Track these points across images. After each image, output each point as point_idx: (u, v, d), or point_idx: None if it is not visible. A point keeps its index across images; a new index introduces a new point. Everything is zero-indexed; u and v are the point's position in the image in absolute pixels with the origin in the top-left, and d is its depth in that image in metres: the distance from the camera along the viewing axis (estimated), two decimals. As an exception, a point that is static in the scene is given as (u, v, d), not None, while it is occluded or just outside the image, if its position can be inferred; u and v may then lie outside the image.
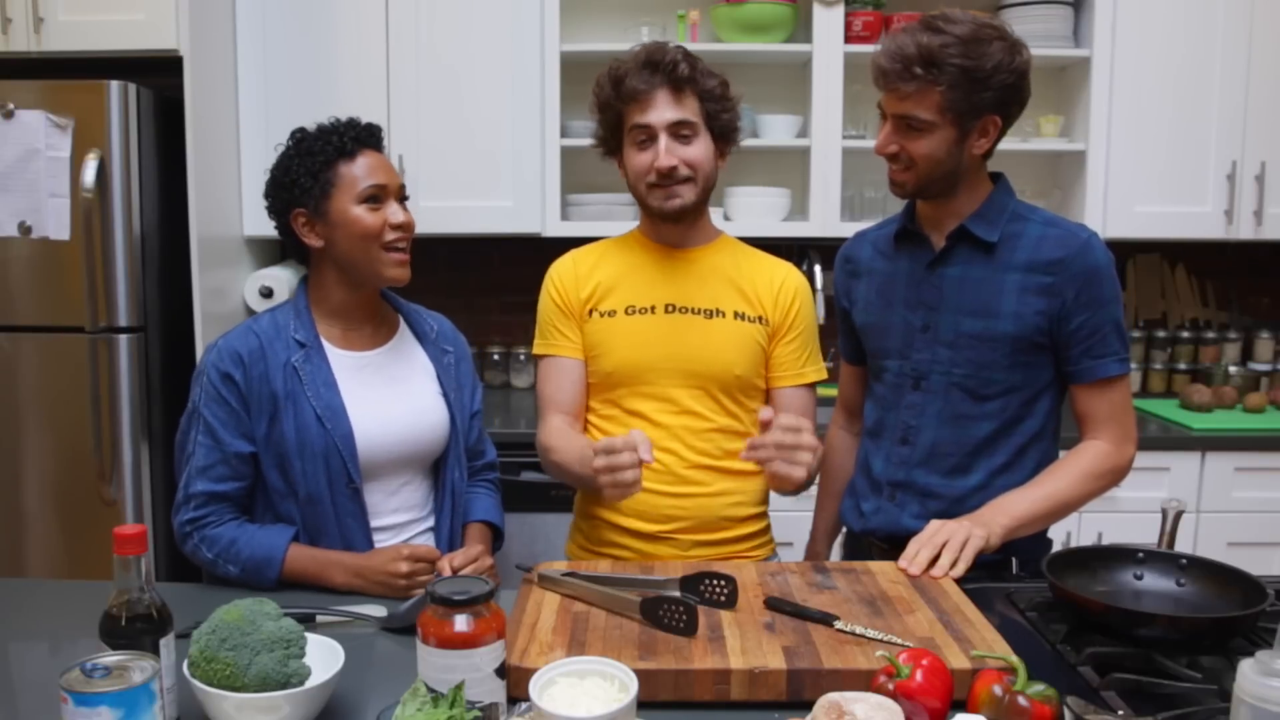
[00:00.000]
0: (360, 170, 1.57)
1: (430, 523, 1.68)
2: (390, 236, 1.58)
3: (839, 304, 1.82)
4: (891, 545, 1.63)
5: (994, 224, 1.60)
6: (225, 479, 1.54)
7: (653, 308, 1.71)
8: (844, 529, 1.86)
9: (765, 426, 1.46)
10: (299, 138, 1.61)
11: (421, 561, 1.49)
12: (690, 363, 1.68)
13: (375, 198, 1.57)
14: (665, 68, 1.62)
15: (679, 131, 1.64)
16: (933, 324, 1.63)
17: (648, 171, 1.65)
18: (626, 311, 1.71)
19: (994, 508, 1.54)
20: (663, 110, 1.63)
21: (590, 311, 1.73)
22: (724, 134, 1.70)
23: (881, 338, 1.69)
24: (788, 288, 1.74)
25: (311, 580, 1.51)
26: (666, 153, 1.63)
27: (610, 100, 1.67)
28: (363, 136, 1.60)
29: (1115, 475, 1.61)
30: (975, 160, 1.59)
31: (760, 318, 1.72)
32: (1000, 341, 1.58)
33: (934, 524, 1.50)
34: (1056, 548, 1.70)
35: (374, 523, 1.59)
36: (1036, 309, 1.56)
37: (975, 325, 1.59)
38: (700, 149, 1.66)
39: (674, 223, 1.71)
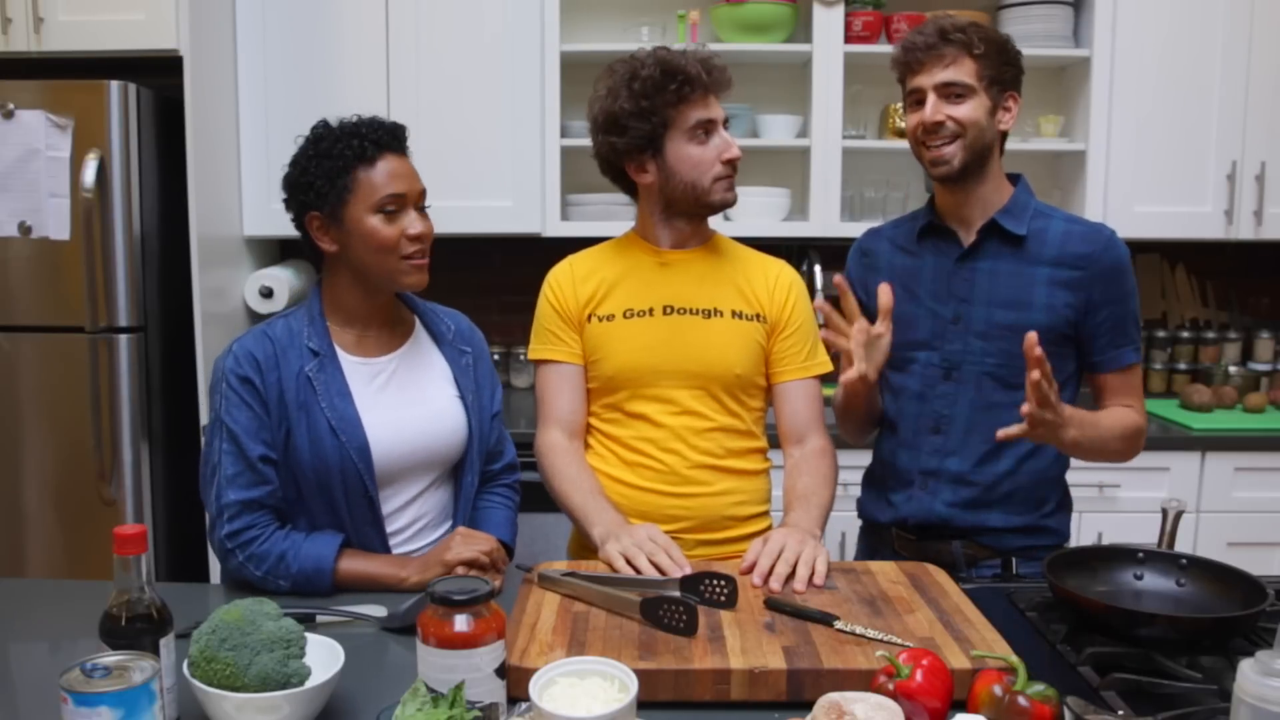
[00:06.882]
0: (379, 177, 1.51)
1: (446, 526, 1.65)
2: (408, 249, 1.52)
3: (855, 295, 1.82)
4: (922, 534, 1.68)
5: (1020, 219, 1.66)
6: (256, 484, 1.48)
7: (651, 310, 1.71)
8: (859, 522, 1.87)
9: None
10: (319, 135, 1.54)
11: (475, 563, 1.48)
12: (690, 363, 1.69)
13: (392, 208, 1.51)
14: (716, 72, 1.66)
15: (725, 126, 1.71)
16: (964, 316, 1.67)
17: (712, 164, 1.67)
18: (625, 315, 1.71)
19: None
20: (713, 108, 1.67)
21: (589, 316, 1.73)
22: None
23: (907, 330, 1.71)
24: (783, 283, 1.75)
25: (372, 587, 1.48)
26: (732, 144, 1.68)
27: (658, 104, 1.63)
28: (384, 140, 1.53)
29: (1138, 438, 1.66)
30: (1000, 140, 1.66)
31: (758, 315, 1.72)
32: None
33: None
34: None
35: (390, 526, 1.57)
36: (1066, 301, 1.62)
37: (1008, 317, 1.64)
38: None
39: (711, 215, 1.75)
